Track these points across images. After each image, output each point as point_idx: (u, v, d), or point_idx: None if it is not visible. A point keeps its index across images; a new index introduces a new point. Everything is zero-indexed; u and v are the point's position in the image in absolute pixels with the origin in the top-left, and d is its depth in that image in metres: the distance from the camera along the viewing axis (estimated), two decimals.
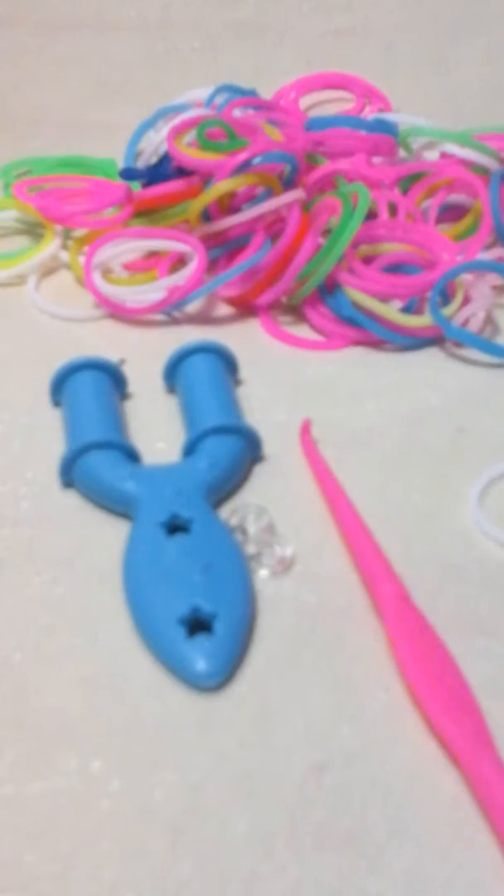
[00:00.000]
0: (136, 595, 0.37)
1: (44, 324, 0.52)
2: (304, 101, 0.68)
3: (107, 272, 0.53)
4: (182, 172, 0.54)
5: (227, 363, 0.47)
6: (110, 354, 0.47)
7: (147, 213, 0.54)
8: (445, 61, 0.73)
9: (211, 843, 0.31)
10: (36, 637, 0.37)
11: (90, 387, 0.45)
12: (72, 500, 0.42)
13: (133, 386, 0.47)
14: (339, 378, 0.48)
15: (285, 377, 0.48)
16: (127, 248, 0.53)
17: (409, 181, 0.56)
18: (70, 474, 0.42)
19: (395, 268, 0.52)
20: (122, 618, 0.37)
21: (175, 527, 0.39)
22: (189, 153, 0.53)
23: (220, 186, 0.51)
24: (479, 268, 0.51)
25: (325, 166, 0.55)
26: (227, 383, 0.46)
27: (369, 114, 0.66)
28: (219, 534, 0.39)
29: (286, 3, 0.75)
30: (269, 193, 0.52)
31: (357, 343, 0.50)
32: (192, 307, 0.52)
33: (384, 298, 0.50)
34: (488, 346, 0.49)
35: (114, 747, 0.33)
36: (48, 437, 0.45)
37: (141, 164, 0.61)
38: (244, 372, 0.48)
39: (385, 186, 0.55)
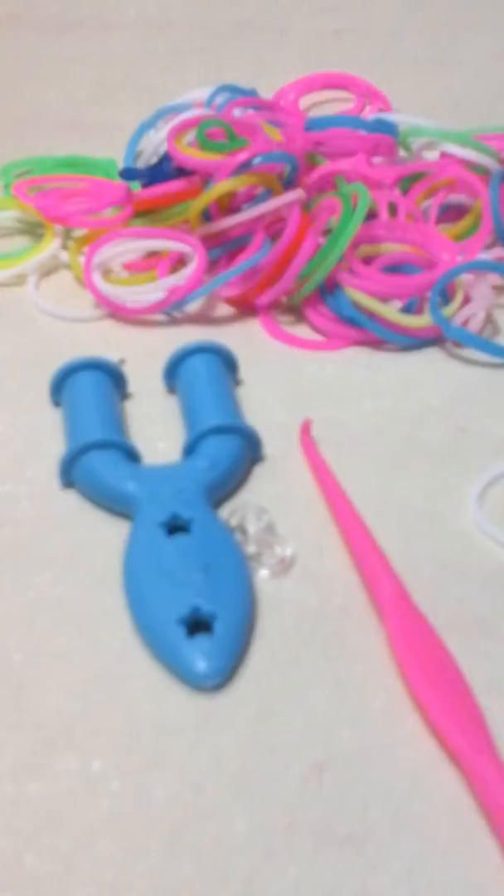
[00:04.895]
0: (136, 595, 0.37)
1: (44, 324, 0.52)
2: (304, 101, 0.68)
3: (107, 272, 0.53)
4: (182, 172, 0.54)
5: (226, 363, 0.47)
6: (110, 354, 0.47)
7: (147, 213, 0.54)
8: (445, 61, 0.73)
9: (211, 843, 0.31)
10: (36, 637, 0.37)
11: (90, 387, 0.45)
12: (72, 500, 0.42)
13: (133, 386, 0.47)
14: (339, 378, 0.48)
15: (285, 377, 0.48)
16: (127, 248, 0.53)
17: (409, 181, 0.56)
18: (70, 474, 0.42)
19: (395, 268, 0.52)
20: (122, 618, 0.37)
21: (175, 527, 0.39)
22: (189, 153, 0.53)
23: (220, 186, 0.51)
24: (479, 268, 0.51)
25: (325, 166, 0.55)
26: (226, 383, 0.46)
27: (369, 114, 0.66)
28: (219, 534, 0.39)
29: (286, 3, 0.75)
30: (269, 193, 0.52)
31: (357, 343, 0.50)
32: (192, 307, 0.52)
33: (384, 298, 0.50)
34: (488, 346, 0.49)
35: (114, 747, 0.33)
36: (48, 437, 0.45)
37: (141, 164, 0.61)
38: (244, 372, 0.48)
39: (385, 186, 0.55)
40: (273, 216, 0.52)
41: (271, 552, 0.39)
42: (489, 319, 0.52)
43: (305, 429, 0.44)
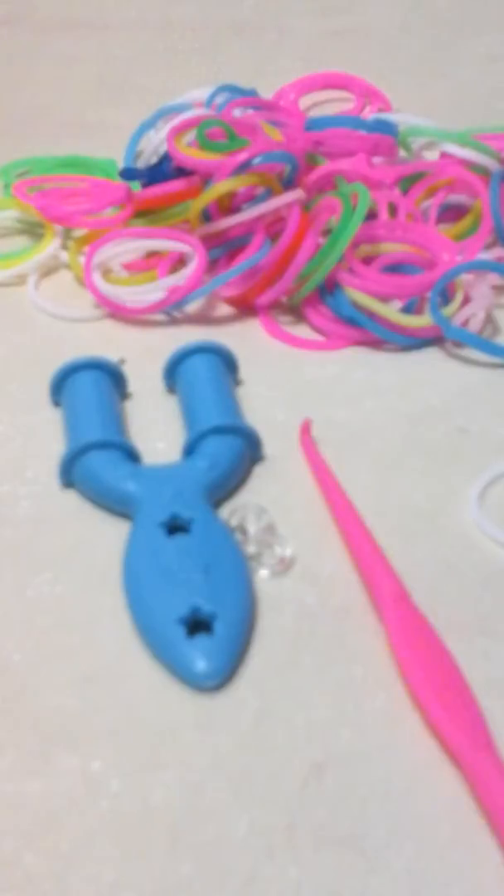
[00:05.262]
0: (135, 595, 0.37)
1: (44, 324, 0.52)
2: (304, 101, 0.68)
3: (107, 272, 0.53)
4: (182, 172, 0.54)
5: (226, 363, 0.47)
6: (110, 354, 0.47)
7: (147, 213, 0.54)
8: (445, 61, 0.73)
9: (211, 843, 0.31)
10: (36, 637, 0.37)
11: (90, 387, 0.45)
12: (72, 500, 0.42)
13: (133, 386, 0.47)
14: (339, 378, 0.48)
15: (285, 377, 0.48)
16: (127, 248, 0.53)
17: (409, 181, 0.56)
18: (70, 474, 0.42)
19: (395, 268, 0.52)
20: (122, 618, 0.37)
21: (175, 527, 0.39)
22: (189, 153, 0.53)
23: (220, 186, 0.51)
24: (479, 268, 0.51)
25: (325, 166, 0.55)
26: (226, 383, 0.46)
27: (369, 114, 0.66)
28: (219, 534, 0.39)
29: (286, 3, 0.75)
30: (269, 193, 0.52)
31: (357, 343, 0.50)
32: (192, 307, 0.52)
33: (384, 298, 0.50)
34: (488, 346, 0.49)
35: (114, 747, 0.33)
36: (48, 437, 0.45)
37: (141, 164, 0.61)
38: (244, 372, 0.48)
39: (385, 186, 0.55)
40: (273, 216, 0.52)
41: (271, 552, 0.39)
42: (489, 319, 0.52)
43: (305, 429, 0.44)
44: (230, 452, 0.42)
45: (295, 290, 0.51)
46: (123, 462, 0.42)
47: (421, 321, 0.49)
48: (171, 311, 0.52)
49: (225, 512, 0.41)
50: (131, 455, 0.42)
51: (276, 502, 0.41)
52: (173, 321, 0.52)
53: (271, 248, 0.51)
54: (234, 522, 0.40)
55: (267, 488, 0.42)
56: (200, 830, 0.31)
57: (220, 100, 0.61)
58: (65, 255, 0.55)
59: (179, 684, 0.35)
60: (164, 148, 0.58)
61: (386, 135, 0.57)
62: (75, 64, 0.73)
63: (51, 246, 0.55)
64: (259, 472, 0.43)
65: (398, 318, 0.49)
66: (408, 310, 0.50)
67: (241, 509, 0.40)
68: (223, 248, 0.53)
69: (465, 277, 0.51)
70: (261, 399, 0.47)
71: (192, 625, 0.36)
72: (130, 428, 0.45)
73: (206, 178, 0.53)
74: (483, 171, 0.55)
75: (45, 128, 0.67)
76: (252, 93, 0.62)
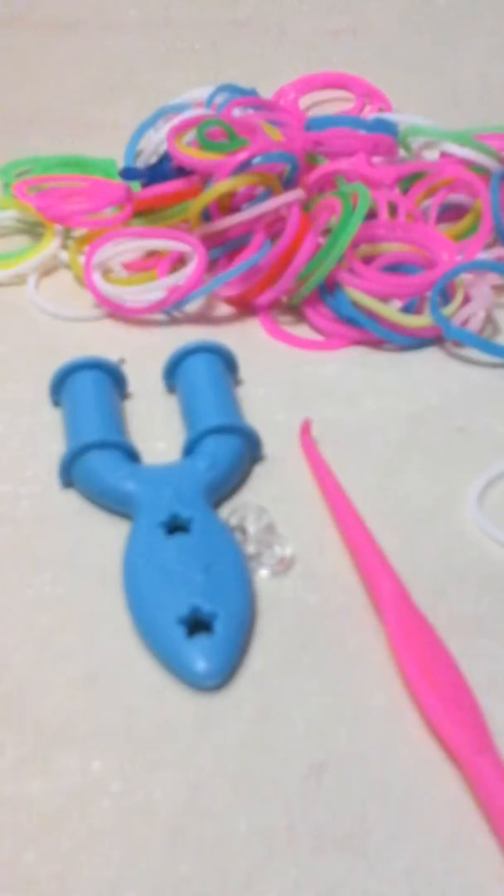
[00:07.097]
0: (135, 595, 0.37)
1: (44, 324, 0.52)
2: (304, 101, 0.68)
3: (107, 272, 0.53)
4: (182, 172, 0.54)
5: (226, 363, 0.47)
6: (110, 354, 0.47)
7: (147, 212, 0.54)
8: (445, 61, 0.73)
9: (211, 843, 0.31)
10: (36, 637, 0.37)
11: (90, 387, 0.45)
12: (72, 500, 0.42)
13: (133, 386, 0.47)
14: (339, 378, 0.48)
15: (285, 377, 0.48)
16: (127, 248, 0.53)
17: (409, 181, 0.56)
18: (70, 474, 0.42)
19: (395, 268, 0.52)
20: (122, 618, 0.37)
21: (175, 527, 0.39)
22: (189, 153, 0.53)
23: (220, 186, 0.51)
24: (479, 268, 0.51)
25: (325, 166, 0.55)
26: (226, 383, 0.46)
27: (369, 114, 0.66)
28: (219, 534, 0.39)
29: (286, 3, 0.75)
30: (269, 193, 0.52)
31: (357, 343, 0.50)
32: (192, 307, 0.52)
33: (384, 298, 0.50)
34: (488, 346, 0.49)
35: (114, 747, 0.33)
36: (48, 437, 0.45)
37: (141, 163, 0.61)
38: (244, 372, 0.48)
39: (385, 186, 0.55)
40: (273, 216, 0.52)
41: (271, 552, 0.39)
42: (489, 319, 0.52)
43: (305, 428, 0.44)
44: (230, 452, 0.42)
45: (295, 290, 0.51)
46: (123, 462, 0.42)
47: (421, 321, 0.49)
48: (171, 311, 0.52)
49: (225, 512, 0.41)
50: (131, 455, 0.42)
51: (276, 502, 0.41)
52: (173, 321, 0.52)
53: (271, 247, 0.51)
54: (234, 522, 0.40)
55: (267, 488, 0.42)
56: (200, 830, 0.31)
57: (220, 99, 0.61)
58: (65, 255, 0.55)
59: (179, 684, 0.35)
60: (163, 147, 0.58)
61: (386, 134, 0.57)
62: (75, 64, 0.73)
63: (51, 246, 0.55)
64: (259, 472, 0.43)
65: (398, 318, 0.49)
66: (408, 310, 0.50)
67: (241, 509, 0.40)
68: (223, 248, 0.53)
69: (465, 277, 0.51)
70: (261, 399, 0.47)
71: (192, 625, 0.36)
72: (130, 428, 0.45)
73: (206, 178, 0.53)
74: (483, 171, 0.55)
75: (45, 128, 0.67)
76: (252, 92, 0.62)
